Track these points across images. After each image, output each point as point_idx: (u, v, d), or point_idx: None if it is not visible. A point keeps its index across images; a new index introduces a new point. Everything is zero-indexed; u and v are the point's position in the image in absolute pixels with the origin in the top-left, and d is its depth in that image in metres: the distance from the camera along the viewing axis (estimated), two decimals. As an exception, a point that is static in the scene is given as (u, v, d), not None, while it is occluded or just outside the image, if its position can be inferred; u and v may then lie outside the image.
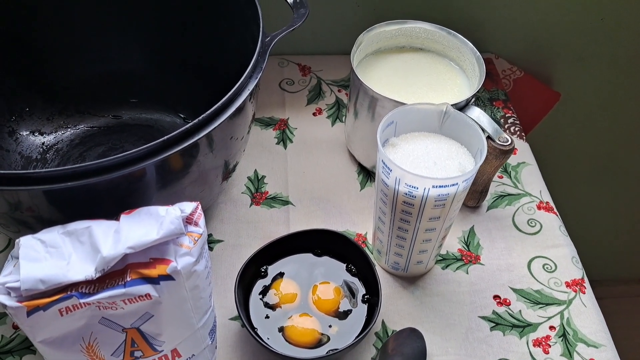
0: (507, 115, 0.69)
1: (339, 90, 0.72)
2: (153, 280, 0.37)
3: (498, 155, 0.53)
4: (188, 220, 0.39)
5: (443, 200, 0.44)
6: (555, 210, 0.60)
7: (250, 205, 0.59)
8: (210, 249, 0.56)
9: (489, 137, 0.53)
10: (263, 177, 0.62)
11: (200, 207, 0.40)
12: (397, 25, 0.60)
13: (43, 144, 0.62)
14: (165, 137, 0.42)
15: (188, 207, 0.39)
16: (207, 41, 0.58)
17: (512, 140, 0.52)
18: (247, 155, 0.64)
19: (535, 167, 0.64)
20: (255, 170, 0.62)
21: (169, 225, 0.37)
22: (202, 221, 0.40)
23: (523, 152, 0.65)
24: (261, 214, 0.59)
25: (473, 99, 0.55)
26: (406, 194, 0.44)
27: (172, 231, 0.37)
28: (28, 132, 0.61)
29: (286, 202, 0.60)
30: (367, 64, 0.61)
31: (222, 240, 0.56)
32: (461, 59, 0.60)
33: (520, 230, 0.58)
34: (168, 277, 0.37)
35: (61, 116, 0.64)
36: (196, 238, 0.39)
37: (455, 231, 0.58)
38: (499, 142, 0.52)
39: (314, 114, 0.69)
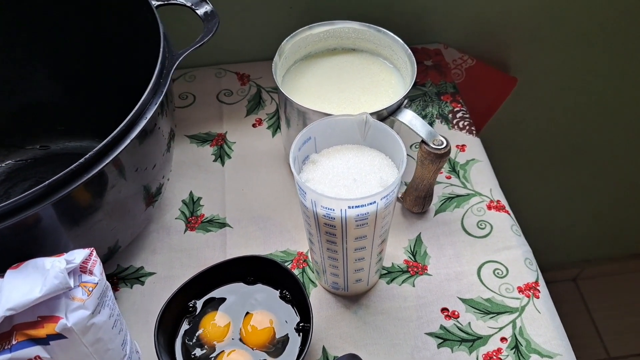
0: (455, 110, 0.66)
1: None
2: (41, 341, 0.34)
3: (434, 160, 0.49)
4: (82, 269, 0.36)
5: (364, 219, 0.41)
6: (507, 208, 0.57)
7: (185, 231, 0.56)
8: (142, 283, 0.52)
9: (423, 142, 0.49)
10: (199, 199, 0.59)
11: (95, 253, 0.37)
12: (324, 27, 0.56)
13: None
14: (62, 174, 0.39)
15: (79, 255, 0.36)
16: (120, 62, 0.54)
17: (447, 143, 0.49)
18: (182, 176, 0.60)
19: (486, 163, 0.61)
20: (191, 192, 0.59)
21: (52, 281, 0.34)
22: (97, 268, 0.37)
23: (473, 148, 0.62)
24: (196, 240, 0.55)
25: (405, 101, 0.52)
26: (325, 216, 0.41)
27: (56, 287, 0.34)
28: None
29: (223, 225, 0.56)
30: (297, 70, 0.57)
31: (154, 273, 0.53)
32: (394, 58, 0.56)
33: (469, 234, 0.55)
34: (58, 336, 0.34)
35: (-16, 152, 0.61)
36: (90, 288, 0.36)
37: (401, 241, 0.55)
38: (434, 146, 0.49)
39: (254, 125, 0.66)
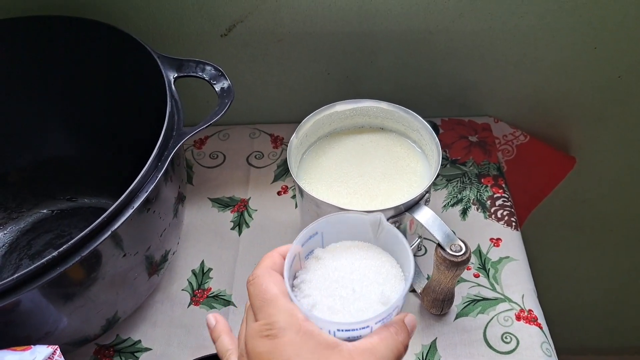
0: (495, 196, 0.60)
1: (309, 165, 0.66)
2: None
3: (449, 267, 0.44)
4: None
5: (356, 338, 0.37)
6: (539, 320, 0.50)
7: (189, 305, 0.54)
8: (136, 358, 0.51)
9: (439, 245, 0.44)
10: (209, 270, 0.57)
11: (59, 351, 0.35)
12: (349, 105, 0.53)
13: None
14: (49, 257, 0.38)
15: (40, 354, 0.35)
16: (141, 120, 0.54)
17: (466, 249, 0.44)
18: (197, 242, 0.59)
19: (523, 262, 0.54)
20: (203, 261, 0.57)
21: None
22: None
23: (509, 244, 0.56)
24: (198, 317, 0.53)
25: (426, 195, 0.47)
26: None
27: None
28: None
29: (228, 302, 0.54)
30: (319, 148, 0.54)
31: (149, 349, 0.51)
32: (422, 142, 0.52)
33: (491, 347, 0.49)
34: None
35: (15, 199, 0.62)
36: None
37: (414, 344, 0.50)
38: (451, 252, 0.44)
39: (279, 193, 0.63)
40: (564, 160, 0.70)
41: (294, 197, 0.63)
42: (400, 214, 0.46)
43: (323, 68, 0.64)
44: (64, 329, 0.44)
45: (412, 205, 0.46)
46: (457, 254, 0.44)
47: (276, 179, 0.65)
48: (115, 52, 0.52)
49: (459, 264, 0.44)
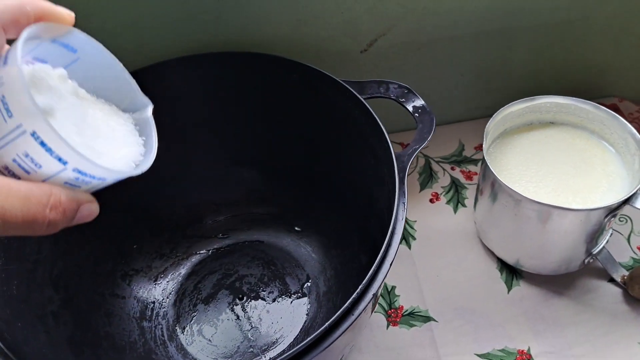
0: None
1: (452, 169, 0.65)
2: None
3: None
4: None
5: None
6: None
7: (387, 326, 0.53)
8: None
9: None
10: (393, 287, 0.56)
11: None
12: (523, 104, 0.53)
13: (155, 280, 0.59)
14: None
15: None
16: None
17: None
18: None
19: None
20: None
21: None
22: None
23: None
24: (402, 337, 0.52)
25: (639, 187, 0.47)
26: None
27: None
28: (140, 272, 0.58)
29: (427, 319, 0.53)
30: (495, 148, 0.54)
31: (368, 377, 0.50)
32: (604, 131, 0.52)
33: None
34: None
35: (169, 245, 0.61)
36: None
37: (632, 335, 0.49)
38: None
39: (431, 201, 0.63)
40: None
41: (448, 203, 0.62)
42: (618, 208, 0.46)
43: (457, 71, 0.64)
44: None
45: (631, 197, 0.46)
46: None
47: (422, 187, 0.64)
48: (306, 86, 0.50)
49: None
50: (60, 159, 0.24)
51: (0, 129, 0.23)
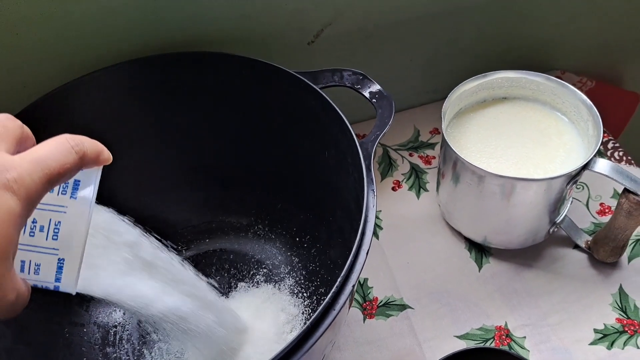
0: (604, 140, 0.62)
1: (410, 155, 0.65)
2: None
3: (645, 210, 0.45)
4: None
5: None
6: None
7: (364, 319, 0.52)
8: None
9: (628, 191, 0.45)
10: (365, 280, 0.55)
11: None
12: (477, 80, 0.53)
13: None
14: None
15: None
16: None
17: (658, 189, 0.45)
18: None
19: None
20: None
21: None
22: None
23: None
24: (380, 329, 0.51)
25: (597, 147, 0.48)
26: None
27: None
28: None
29: (403, 307, 0.52)
30: (452, 128, 0.54)
31: (350, 374, 0.49)
32: (556, 101, 0.53)
33: (676, 278, 0.51)
34: None
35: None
36: None
37: (603, 296, 0.50)
38: (643, 195, 0.45)
39: (393, 189, 0.62)
40: (629, 96, 0.74)
41: (410, 189, 0.62)
42: (578, 174, 0.47)
43: (407, 56, 0.64)
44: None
45: (589, 162, 0.47)
46: (651, 195, 0.45)
47: (384, 176, 0.63)
48: (258, 81, 0.48)
49: (655, 205, 0.45)
50: (57, 280, 0.27)
51: (38, 243, 0.27)
